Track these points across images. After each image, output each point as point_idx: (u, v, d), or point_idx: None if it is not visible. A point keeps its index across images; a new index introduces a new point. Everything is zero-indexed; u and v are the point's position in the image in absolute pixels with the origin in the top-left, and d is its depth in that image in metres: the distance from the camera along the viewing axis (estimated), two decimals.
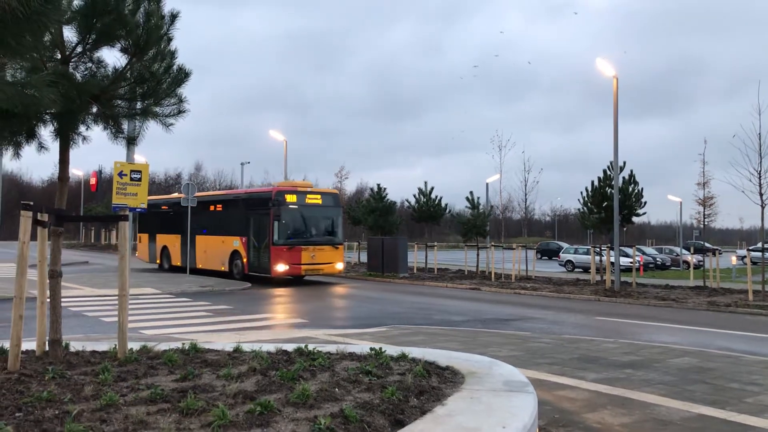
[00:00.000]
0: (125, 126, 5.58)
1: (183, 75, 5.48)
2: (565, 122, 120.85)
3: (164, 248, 27.52)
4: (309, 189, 23.04)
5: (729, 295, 18.64)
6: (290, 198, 21.58)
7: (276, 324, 12.74)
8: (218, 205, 25.13)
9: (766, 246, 18.88)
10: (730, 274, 26.72)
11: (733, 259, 30.78)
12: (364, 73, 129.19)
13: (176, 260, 26.38)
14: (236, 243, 23.00)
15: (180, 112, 5.58)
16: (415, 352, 6.32)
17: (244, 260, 22.50)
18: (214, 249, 24.05)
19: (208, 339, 9.01)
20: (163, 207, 28.28)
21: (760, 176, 18.08)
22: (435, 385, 5.03)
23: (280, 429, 3.63)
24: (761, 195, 18.11)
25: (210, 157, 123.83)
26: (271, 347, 6.39)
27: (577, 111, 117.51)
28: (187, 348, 6.12)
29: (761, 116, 18.57)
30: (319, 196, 22.81)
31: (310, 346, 6.26)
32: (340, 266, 22.96)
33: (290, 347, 6.39)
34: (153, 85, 5.33)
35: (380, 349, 6.23)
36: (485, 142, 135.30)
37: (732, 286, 21.57)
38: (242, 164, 45.89)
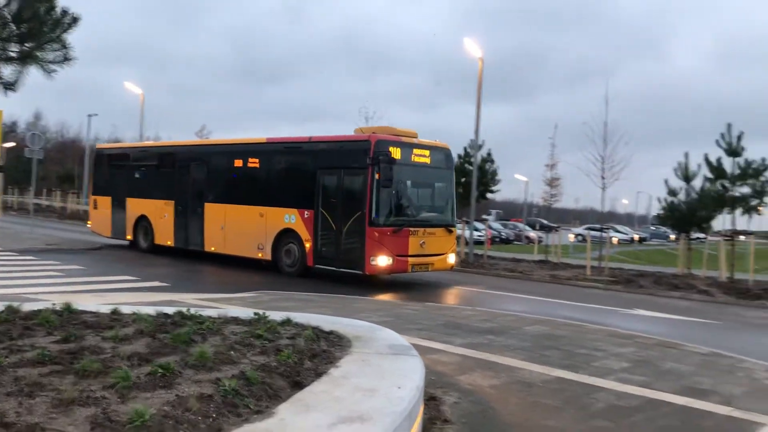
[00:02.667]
0: (3, 70, 5.12)
1: (70, 20, 5.10)
2: (421, 100, 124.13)
3: (141, 220, 19.35)
4: (416, 140, 14.93)
5: (569, 269, 20.25)
6: (395, 152, 13.77)
7: (136, 287, 12.27)
8: (252, 159, 16.51)
9: (604, 225, 20.71)
10: (569, 250, 28.97)
11: (571, 237, 33.38)
12: (226, 34, 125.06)
13: (164, 237, 18.61)
14: (289, 218, 15.24)
15: (66, 59, 5.19)
16: (298, 317, 6.40)
17: (307, 246, 14.74)
18: (244, 225, 16.17)
19: (65, 300, 8.55)
20: (137, 159, 20.15)
21: (603, 161, 19.75)
22: (325, 348, 5.17)
23: (185, 390, 3.61)
24: (603, 178, 19.83)
25: (53, 109, 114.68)
26: (150, 310, 6.21)
27: (432, 90, 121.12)
28: (59, 309, 5.81)
29: (607, 106, 20.26)
30: (428, 152, 14.81)
31: (192, 310, 6.17)
32: (452, 259, 15.35)
33: (170, 310, 6.25)
34: (36, 27, 4.94)
35: (264, 313, 6.27)
36: (346, 113, 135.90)
37: (570, 261, 23.44)
38: (89, 116, 43.14)
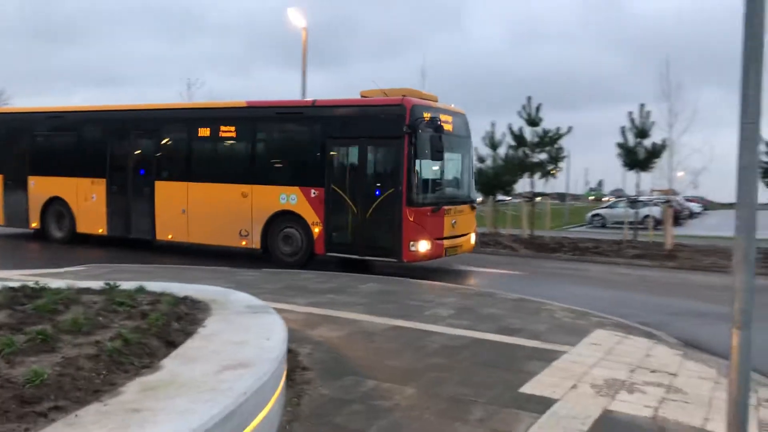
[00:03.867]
0: None
1: None
2: (234, 65, 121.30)
3: (53, 203, 15.80)
4: (441, 105, 12.97)
5: None
6: (428, 119, 11.75)
7: None
8: (226, 128, 13.80)
9: None
10: None
11: None
12: None
13: (91, 225, 15.29)
14: (287, 198, 12.84)
15: None
16: (150, 285, 6.56)
17: (315, 231, 12.49)
18: (218, 208, 13.54)
19: None
20: (46, 127, 16.21)
21: None
22: (187, 311, 5.44)
23: (69, 353, 3.79)
24: None
25: None
26: None
27: (246, 55, 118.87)
28: None
29: (424, 78, 21.53)
30: (451, 119, 12.75)
31: (41, 282, 6.10)
32: (473, 239, 13.86)
33: (13, 284, 6.13)
34: None
35: (115, 283, 6.34)
36: (153, 78, 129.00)
37: None
38: None
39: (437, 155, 11.64)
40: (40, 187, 15.94)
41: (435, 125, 11.63)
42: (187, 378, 3.63)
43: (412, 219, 11.60)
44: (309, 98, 13.31)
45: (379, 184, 12.15)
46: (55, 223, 15.92)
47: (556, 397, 5.07)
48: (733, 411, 4.27)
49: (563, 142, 19.78)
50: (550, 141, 19.19)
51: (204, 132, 14.08)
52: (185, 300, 6.05)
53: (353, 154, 12.45)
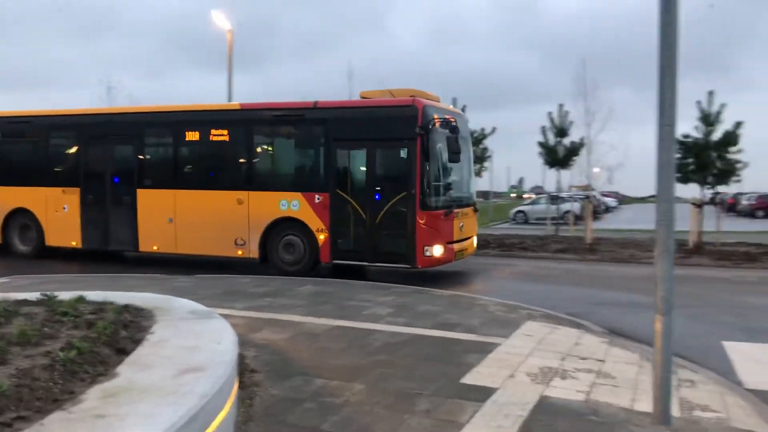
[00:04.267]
0: None
1: None
2: (147, 67, 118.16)
3: (17, 215, 14.72)
4: (441, 105, 12.84)
5: None
6: (438, 119, 11.46)
7: None
8: (218, 131, 13.12)
9: None
10: None
11: None
12: None
13: (63, 237, 14.30)
14: (287, 204, 12.32)
15: None
16: (90, 295, 6.47)
17: (320, 237, 12.02)
18: (210, 216, 12.87)
19: None
20: (7, 134, 15.18)
21: None
22: (132, 319, 5.43)
23: (22, 365, 3.76)
24: None
25: None
26: None
27: (161, 57, 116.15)
28: None
29: (350, 80, 21.74)
30: (454, 120, 11.87)
31: None
32: (475, 242, 13.78)
33: None
34: None
35: (53, 294, 6.24)
36: (64, 81, 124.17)
37: None
38: None
39: (454, 157, 11.53)
40: (2, 199, 14.81)
41: (450, 126, 11.41)
42: (146, 383, 3.68)
43: (425, 223, 11.28)
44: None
45: (389, 188, 11.70)
46: (19, 237, 14.82)
47: (496, 386, 5.35)
48: (658, 391, 4.66)
49: (487, 142, 20.40)
50: (475, 141, 19.73)
51: (193, 136, 13.41)
52: (128, 308, 6.02)
53: (360, 158, 12.03)
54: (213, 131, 13.14)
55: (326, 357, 6.18)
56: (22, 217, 14.66)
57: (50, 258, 14.33)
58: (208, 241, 12.97)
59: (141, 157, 13.91)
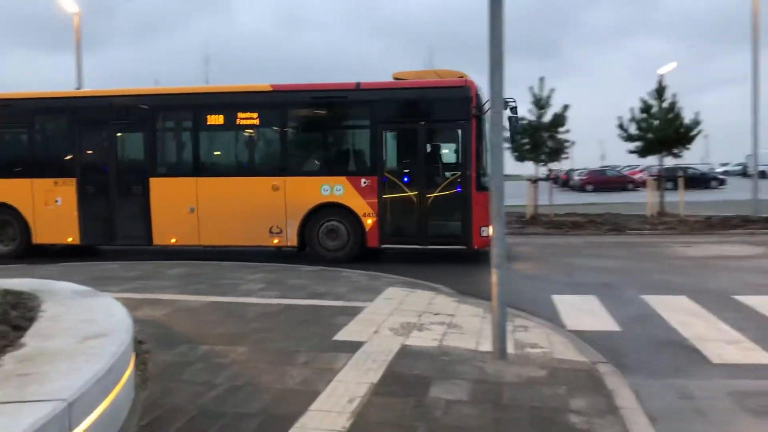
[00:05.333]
0: None
1: None
2: None
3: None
4: None
5: None
6: (484, 101, 11.27)
7: None
8: (246, 114, 12.49)
9: None
10: None
11: None
12: None
13: (55, 233, 13.03)
14: (330, 189, 12.04)
15: None
16: None
17: (368, 222, 11.85)
18: (240, 204, 12.27)
19: None
20: None
21: None
22: (17, 301, 5.66)
23: None
24: None
25: None
26: None
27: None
28: None
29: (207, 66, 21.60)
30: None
31: None
32: None
33: None
34: None
35: None
36: None
37: None
38: None
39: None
40: None
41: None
42: (56, 349, 4.09)
43: (481, 204, 11.10)
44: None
45: (441, 170, 11.90)
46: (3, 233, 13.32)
47: (364, 340, 6.15)
48: (496, 333, 5.64)
49: None
50: None
51: (217, 120, 12.72)
52: (9, 291, 6.20)
53: (410, 140, 12.00)
54: (241, 115, 12.57)
55: (207, 327, 6.69)
56: (1, 213, 13.23)
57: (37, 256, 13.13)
58: (238, 231, 12.41)
59: (156, 144, 13.02)
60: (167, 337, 6.27)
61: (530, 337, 6.45)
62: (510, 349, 5.82)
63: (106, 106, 13.03)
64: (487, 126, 11.32)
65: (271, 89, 12.47)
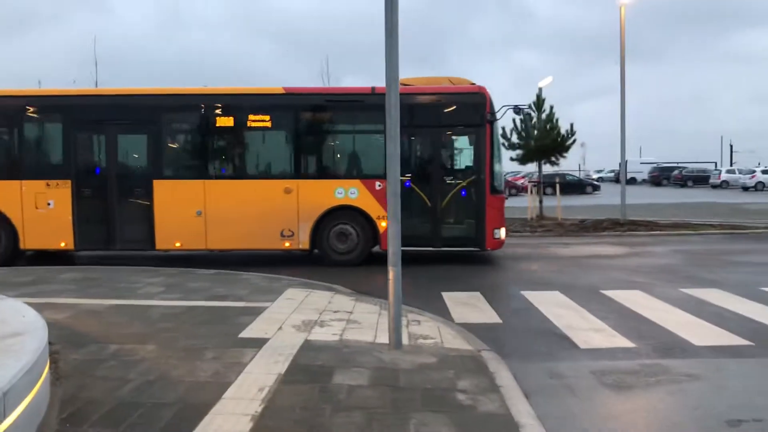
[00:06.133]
0: None
1: None
2: None
3: None
4: None
5: None
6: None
7: None
8: (257, 117, 12.34)
9: None
10: None
11: None
12: None
13: (47, 238, 12.26)
14: (345, 192, 12.13)
15: None
16: None
17: (382, 225, 11.82)
18: (251, 207, 12.09)
19: None
20: None
21: None
22: None
23: None
24: None
25: None
26: None
27: None
28: None
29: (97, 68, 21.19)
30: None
31: None
32: None
33: None
34: None
35: None
36: None
37: None
38: None
39: (499, 147, 12.49)
40: None
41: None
42: None
43: (495, 207, 12.04)
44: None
45: (456, 174, 12.34)
46: None
47: (268, 336, 6.54)
48: (392, 325, 6.19)
49: None
50: None
51: (227, 123, 12.42)
52: None
53: (425, 144, 12.46)
54: (252, 117, 12.44)
55: (113, 329, 6.84)
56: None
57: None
58: (248, 234, 12.26)
59: (161, 146, 12.58)
60: (74, 337, 6.39)
61: (423, 329, 7.05)
62: (405, 340, 6.39)
63: (111, 107, 12.60)
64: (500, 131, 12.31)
65: (284, 91, 12.56)
